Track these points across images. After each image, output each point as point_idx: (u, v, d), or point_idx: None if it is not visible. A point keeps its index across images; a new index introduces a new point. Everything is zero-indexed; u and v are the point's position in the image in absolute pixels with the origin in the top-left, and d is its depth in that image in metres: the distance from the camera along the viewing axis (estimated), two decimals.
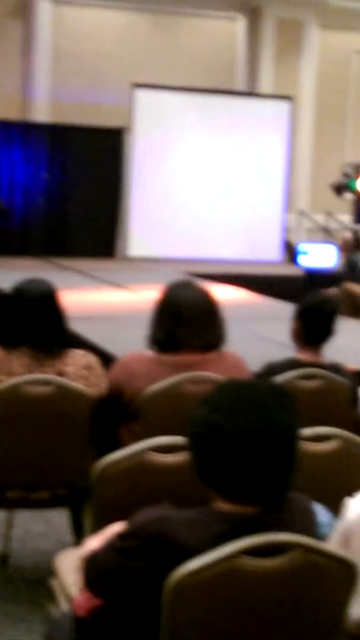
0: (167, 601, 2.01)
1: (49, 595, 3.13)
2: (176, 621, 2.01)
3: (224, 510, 2.10)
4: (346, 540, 2.30)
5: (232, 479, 2.08)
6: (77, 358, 3.84)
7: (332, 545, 2.27)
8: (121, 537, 2.16)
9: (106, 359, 4.16)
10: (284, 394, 2.18)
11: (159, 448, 2.85)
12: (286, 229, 15.54)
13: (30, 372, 3.73)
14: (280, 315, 8.89)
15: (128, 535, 2.14)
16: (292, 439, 2.12)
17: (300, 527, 2.13)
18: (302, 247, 15.12)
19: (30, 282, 3.92)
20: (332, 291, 10.49)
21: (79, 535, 4.13)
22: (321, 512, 2.51)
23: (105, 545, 2.22)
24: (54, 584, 2.97)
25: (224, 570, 1.99)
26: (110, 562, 2.16)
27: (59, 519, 4.83)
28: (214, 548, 2.00)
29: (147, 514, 2.13)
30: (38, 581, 4.17)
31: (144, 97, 14.68)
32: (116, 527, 2.29)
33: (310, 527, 2.20)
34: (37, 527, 4.81)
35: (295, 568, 2.04)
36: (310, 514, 2.24)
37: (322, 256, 14.84)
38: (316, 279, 12.90)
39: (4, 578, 4.22)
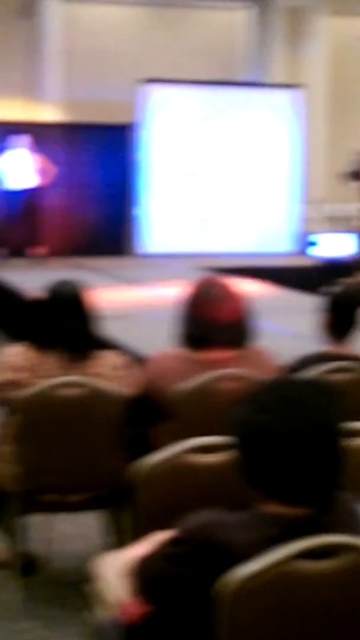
0: (222, 607, 1.99)
1: (86, 599, 3.12)
2: (232, 627, 1.99)
3: (275, 513, 2.08)
4: None
5: (283, 480, 2.06)
6: (109, 359, 3.83)
7: None
8: (171, 542, 2.14)
9: (132, 358, 4.14)
10: (329, 391, 2.16)
11: (199, 448, 2.83)
12: (304, 220, 15.46)
13: (63, 374, 3.72)
14: (297, 307, 8.89)
15: (178, 540, 2.12)
16: (339, 437, 2.10)
17: (349, 528, 2.11)
18: (313, 237, 15.08)
19: (61, 284, 3.92)
20: (349, 281, 10.45)
21: (113, 538, 4.13)
22: None
23: (155, 551, 2.21)
24: (94, 587, 2.96)
25: (279, 574, 1.97)
26: (161, 569, 2.14)
27: (93, 520, 4.83)
28: (267, 551, 1.98)
29: (196, 519, 2.11)
30: (78, 584, 4.17)
31: (154, 92, 14.65)
32: (164, 534, 2.27)
33: (357, 527, 2.18)
34: (70, 529, 4.80)
35: (349, 570, 2.02)
36: (357, 514, 2.22)
37: (336, 246, 14.81)
38: (329, 269, 12.85)
39: (41, 581, 4.22)
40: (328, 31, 16.00)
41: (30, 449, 3.74)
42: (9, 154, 12.98)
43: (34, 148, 13.13)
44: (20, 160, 12.99)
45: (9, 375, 3.74)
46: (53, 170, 13.17)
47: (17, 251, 13.25)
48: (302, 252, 15.13)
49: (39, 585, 4.17)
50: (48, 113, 14.94)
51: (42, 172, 13.03)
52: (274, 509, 2.09)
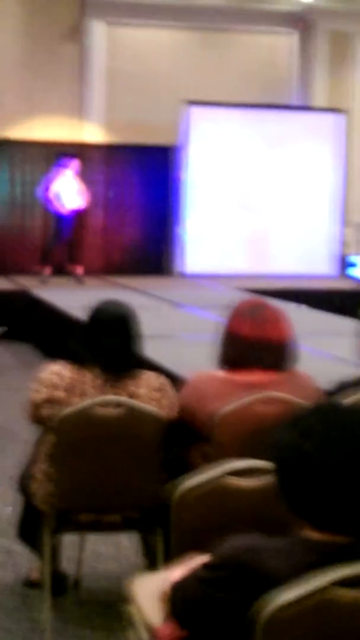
0: (258, 633, 1.95)
1: (121, 620, 3.09)
2: None
3: (314, 539, 2.04)
4: None
5: (323, 508, 2.02)
6: (149, 380, 3.80)
7: None
8: (207, 567, 2.11)
9: (171, 379, 4.11)
10: None
11: (236, 472, 2.79)
12: (343, 242, 15.42)
13: (102, 393, 3.70)
14: (336, 330, 8.83)
15: (215, 565, 2.08)
16: None
17: None
18: (353, 259, 15.03)
19: (105, 304, 3.90)
20: None
21: (149, 559, 4.10)
22: None
23: (190, 575, 2.17)
24: (129, 609, 2.92)
25: (317, 601, 1.93)
26: (197, 593, 2.11)
27: (127, 541, 4.80)
28: (304, 578, 1.94)
29: (234, 543, 2.08)
30: (110, 605, 4.14)
31: (197, 114, 14.69)
32: (200, 557, 2.24)
33: None
34: (105, 549, 4.78)
35: None
36: None
37: None
38: None
39: (76, 602, 4.19)
40: None
41: (66, 468, 3.72)
42: (61, 176, 13.04)
43: (78, 169, 13.22)
44: (68, 182, 13.07)
45: (45, 394, 3.73)
46: (87, 193, 13.29)
47: (60, 270, 13.30)
48: (342, 274, 15.10)
49: (70, 606, 4.15)
50: (92, 134, 15.03)
51: (82, 194, 13.13)
52: (314, 535, 2.05)
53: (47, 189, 13.12)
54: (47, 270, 12.98)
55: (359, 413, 2.11)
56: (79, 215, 13.34)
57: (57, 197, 12.97)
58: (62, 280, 13.10)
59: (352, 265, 14.96)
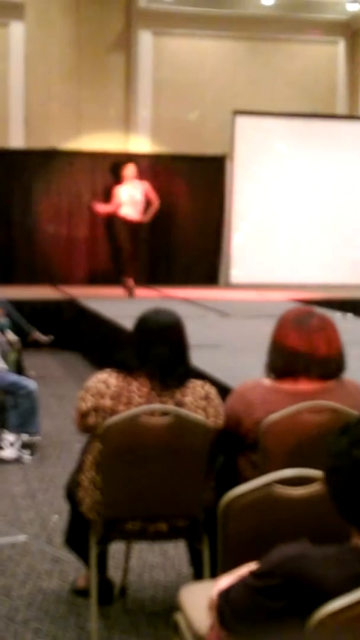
0: None
1: (169, 629, 3.08)
2: None
3: None
4: None
5: None
6: (196, 388, 3.79)
7: None
8: (257, 575, 2.09)
9: (218, 388, 4.10)
10: None
11: (286, 481, 2.77)
12: None
13: (149, 401, 3.70)
14: None
15: (264, 573, 2.07)
16: None
17: None
18: None
19: (154, 312, 3.90)
20: None
21: (196, 568, 4.09)
22: None
23: (239, 582, 2.16)
24: (179, 618, 2.91)
25: None
26: (245, 601, 2.10)
27: (174, 549, 4.80)
28: (356, 588, 1.92)
29: (284, 551, 2.06)
30: (157, 614, 4.13)
31: (244, 124, 14.68)
32: (249, 566, 2.22)
33: None
34: (153, 558, 4.78)
35: None
36: None
37: None
38: None
39: (123, 610, 4.19)
40: None
41: (112, 476, 3.72)
42: (125, 185, 12.93)
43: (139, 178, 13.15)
44: (131, 190, 12.95)
45: (92, 402, 3.73)
46: (157, 201, 13.16)
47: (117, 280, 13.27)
48: None
49: (116, 614, 4.15)
50: (139, 144, 15.08)
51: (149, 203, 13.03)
52: None
53: (110, 198, 13.06)
54: (131, 281, 12.75)
55: None
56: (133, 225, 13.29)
57: (121, 206, 12.83)
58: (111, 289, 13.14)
59: None
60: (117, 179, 13.37)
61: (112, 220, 13.16)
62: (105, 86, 14.99)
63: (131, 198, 12.77)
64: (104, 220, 13.92)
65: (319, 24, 15.59)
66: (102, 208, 13.17)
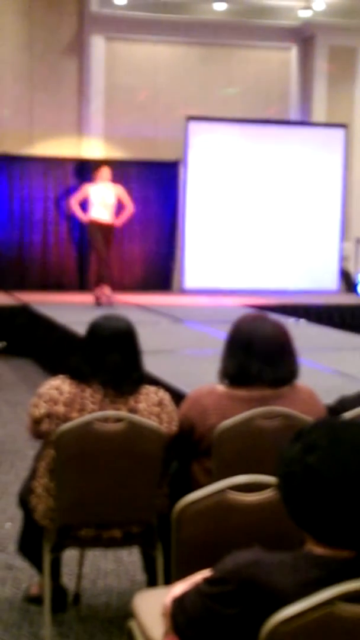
0: None
1: (123, 636, 3.07)
2: None
3: (319, 554, 2.02)
4: None
5: (328, 523, 2.00)
6: (150, 395, 3.79)
7: None
8: (210, 582, 2.09)
9: (172, 394, 4.10)
10: None
11: (240, 487, 2.77)
12: (343, 258, 15.44)
13: (102, 408, 3.69)
14: (341, 345, 8.82)
15: (218, 579, 2.07)
16: None
17: None
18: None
19: (104, 319, 3.89)
20: None
21: (149, 574, 4.08)
22: None
23: (192, 589, 2.15)
24: (133, 625, 2.91)
25: (321, 617, 1.91)
26: (199, 607, 2.09)
27: (128, 556, 4.79)
28: (311, 594, 1.93)
29: (237, 558, 2.06)
30: (110, 621, 4.12)
31: (197, 130, 14.72)
32: (203, 573, 2.22)
33: None
34: (106, 565, 4.76)
35: None
36: None
37: None
38: None
39: (77, 617, 4.17)
40: None
41: (66, 483, 3.70)
42: (97, 186, 12.55)
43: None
44: (105, 192, 12.57)
45: (45, 408, 3.71)
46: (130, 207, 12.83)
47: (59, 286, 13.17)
48: (350, 291, 15.15)
49: (70, 621, 4.13)
50: (91, 149, 15.05)
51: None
52: (318, 550, 2.04)
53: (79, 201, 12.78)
54: (107, 289, 12.15)
55: None
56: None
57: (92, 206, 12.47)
58: (64, 295, 13.09)
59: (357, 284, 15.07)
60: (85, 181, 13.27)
61: (87, 224, 12.72)
62: (58, 91, 14.94)
63: (102, 200, 12.46)
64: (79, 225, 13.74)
65: (271, 30, 15.67)
66: (77, 210, 12.81)
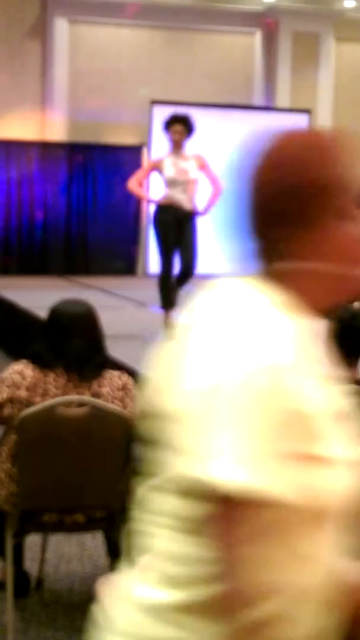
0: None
1: (86, 620, 3.06)
2: None
3: None
4: None
5: None
6: (113, 379, 3.78)
7: None
8: None
9: (136, 379, 4.09)
10: None
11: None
12: None
13: (65, 393, 3.67)
14: None
15: None
16: None
17: None
18: None
19: (63, 303, 3.87)
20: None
21: (113, 558, 4.07)
22: None
23: None
24: (94, 610, 2.90)
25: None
26: None
27: (92, 541, 4.77)
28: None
29: None
30: (73, 605, 4.11)
31: (161, 114, 14.64)
32: None
33: None
34: (69, 550, 4.75)
35: None
36: None
37: None
38: None
39: (39, 602, 4.16)
40: (334, 57, 16.04)
41: (29, 468, 3.68)
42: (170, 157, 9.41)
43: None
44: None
45: (7, 393, 3.69)
46: None
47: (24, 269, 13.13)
48: None
49: (33, 606, 4.12)
50: (54, 132, 14.97)
51: None
52: None
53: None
54: None
55: None
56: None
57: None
58: (32, 281, 13.02)
59: None
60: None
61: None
62: (20, 74, 14.83)
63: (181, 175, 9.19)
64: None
65: (236, 14, 15.64)
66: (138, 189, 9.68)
